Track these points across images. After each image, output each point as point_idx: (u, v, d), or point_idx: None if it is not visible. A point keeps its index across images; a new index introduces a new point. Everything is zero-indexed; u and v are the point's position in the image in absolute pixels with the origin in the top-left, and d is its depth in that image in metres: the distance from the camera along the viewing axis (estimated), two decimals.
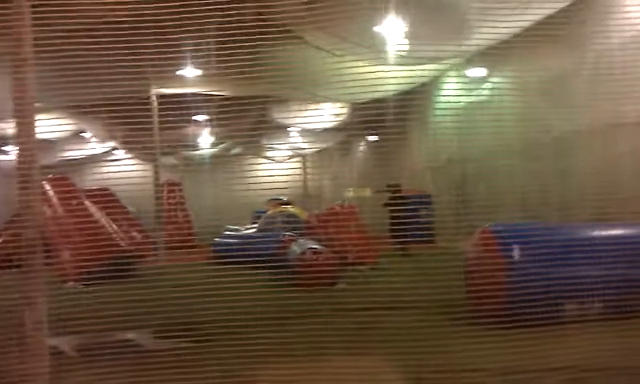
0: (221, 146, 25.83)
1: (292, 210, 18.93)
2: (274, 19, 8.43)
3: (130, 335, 7.15)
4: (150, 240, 16.09)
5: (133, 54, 6.53)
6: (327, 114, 20.00)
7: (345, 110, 20.33)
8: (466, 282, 8.05)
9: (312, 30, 11.68)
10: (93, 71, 6.85)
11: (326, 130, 22.83)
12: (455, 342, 6.42)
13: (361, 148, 26.62)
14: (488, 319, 7.05)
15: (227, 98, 16.14)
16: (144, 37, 6.36)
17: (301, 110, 19.46)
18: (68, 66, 7.04)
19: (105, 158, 24.58)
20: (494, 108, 13.56)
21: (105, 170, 22.93)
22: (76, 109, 16.02)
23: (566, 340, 6.38)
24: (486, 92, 14.70)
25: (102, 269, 10.79)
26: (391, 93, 10.88)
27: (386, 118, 11.88)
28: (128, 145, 20.89)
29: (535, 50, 11.52)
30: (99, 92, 8.27)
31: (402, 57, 11.50)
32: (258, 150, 27.92)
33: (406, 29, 11.03)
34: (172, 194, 23.51)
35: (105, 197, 14.00)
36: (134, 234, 16.06)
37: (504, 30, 8.25)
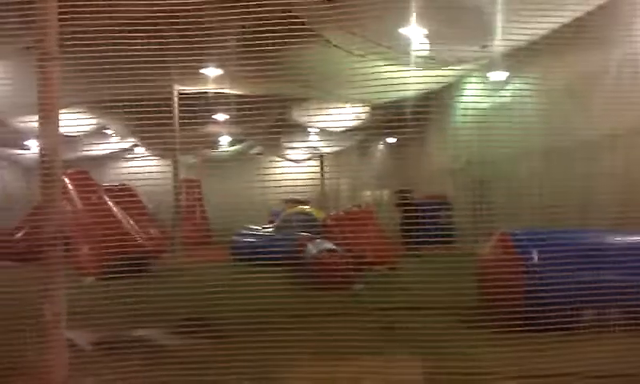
0: (240, 145, 25.89)
1: (309, 210, 18.93)
2: (297, 19, 8.42)
3: (146, 331, 7.19)
4: (168, 237, 16.16)
5: (157, 51, 6.56)
6: (347, 114, 19.97)
7: (364, 111, 20.27)
8: (483, 285, 8.01)
9: (335, 30, 11.67)
10: (117, 68, 6.89)
11: (345, 130, 22.78)
12: (471, 345, 6.39)
13: (380, 150, 26.55)
14: (505, 323, 7.00)
15: (247, 98, 16.16)
16: (169, 35, 6.40)
17: (320, 111, 19.45)
18: (93, 62, 7.09)
19: (126, 155, 24.72)
20: (515, 111, 13.46)
21: (125, 166, 23.07)
22: (99, 105, 16.14)
23: (583, 346, 6.32)
24: (507, 95, 14.60)
25: (119, 265, 10.85)
26: (412, 94, 10.84)
27: (406, 120, 11.85)
28: (149, 142, 20.99)
29: (559, 54, 11.42)
30: (122, 89, 8.32)
31: (423, 58, 11.46)
32: (276, 150, 27.92)
33: (429, 30, 10.99)
34: (191, 192, 23.59)
35: (125, 193, 14.08)
36: (153, 231, 16.14)
37: (527, 33, 8.20)
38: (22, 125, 18.62)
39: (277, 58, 7.48)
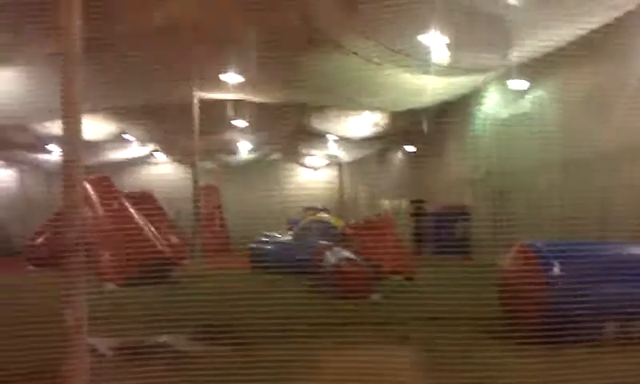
0: (259, 152, 25.96)
1: (328, 218, 18.91)
2: (318, 27, 8.48)
3: (167, 338, 7.21)
4: (188, 244, 16.22)
5: (179, 59, 6.62)
6: (366, 122, 19.97)
7: (384, 119, 20.25)
8: (503, 296, 7.96)
9: (355, 38, 11.69)
10: (139, 75, 6.97)
11: (363, 138, 22.77)
12: (490, 356, 6.35)
13: (399, 158, 26.50)
14: (526, 335, 6.95)
15: (267, 105, 16.23)
16: (191, 43, 6.45)
17: (340, 118, 19.47)
18: (115, 68, 7.16)
19: (146, 161, 24.86)
20: (535, 121, 13.38)
21: (145, 172, 23.23)
22: (120, 111, 16.27)
23: (605, 359, 6.25)
24: (527, 105, 14.52)
25: (140, 271, 10.90)
26: (431, 103, 10.84)
27: (425, 128, 11.85)
28: (169, 148, 21.13)
29: (578, 65, 11.36)
30: (145, 96, 8.41)
31: (444, 67, 11.45)
32: (295, 157, 27.97)
33: (449, 39, 10.98)
34: (210, 199, 23.68)
35: (146, 200, 14.15)
36: (173, 238, 16.20)
37: (548, 44, 8.18)
38: (44, 130, 18.82)
39: (296, 65, 7.52)
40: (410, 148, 23.79)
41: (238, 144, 23.88)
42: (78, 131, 5.62)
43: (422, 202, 20.28)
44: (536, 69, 12.32)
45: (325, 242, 14.79)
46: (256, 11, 6.89)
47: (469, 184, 18.50)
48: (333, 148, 25.29)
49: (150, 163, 24.85)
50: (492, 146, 15.93)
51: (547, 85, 14.00)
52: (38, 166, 24.87)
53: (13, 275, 13.74)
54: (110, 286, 11.91)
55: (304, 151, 26.69)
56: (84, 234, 5.68)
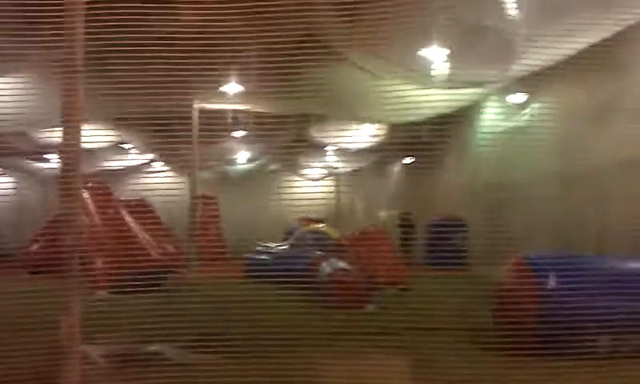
0: (257, 162, 25.97)
1: (324, 228, 18.91)
2: (319, 38, 8.52)
3: (160, 347, 7.19)
4: (184, 253, 16.19)
5: (180, 69, 6.64)
6: (364, 134, 20.00)
7: (382, 131, 20.29)
8: (497, 309, 7.96)
9: (356, 50, 11.73)
10: (138, 84, 6.97)
11: (361, 150, 22.80)
12: (483, 367, 6.34)
13: (396, 170, 26.53)
14: (518, 349, 6.95)
15: (266, 115, 16.25)
16: (192, 52, 6.47)
17: (339, 130, 19.51)
18: (114, 77, 7.17)
19: (143, 170, 24.85)
20: (533, 135, 13.41)
21: (143, 181, 23.20)
22: (119, 120, 16.28)
23: (598, 373, 6.25)
24: (526, 118, 14.56)
25: (134, 279, 10.88)
26: (430, 115, 10.87)
27: (424, 141, 11.89)
28: (167, 157, 21.11)
29: (578, 79, 11.40)
30: (144, 104, 8.41)
31: (443, 80, 11.48)
32: (293, 168, 27.97)
33: (449, 52, 11.02)
34: (207, 208, 23.65)
35: (142, 208, 14.14)
36: (168, 246, 16.17)
37: (547, 57, 8.21)
38: (41, 138, 18.81)
39: (296, 76, 7.53)
40: (409, 160, 23.83)
41: (236, 154, 23.87)
42: (78, 139, 5.63)
43: (408, 213, 20.73)
44: (535, 83, 12.37)
45: (320, 253, 14.79)
46: (257, 21, 6.91)
47: (467, 196, 18.53)
48: (331, 159, 25.32)
49: (148, 172, 24.84)
50: (490, 159, 15.98)
51: (546, 98, 14.05)
52: (35, 174, 24.86)
53: (7, 281, 13.70)
54: (104, 294, 11.88)
55: (303, 162, 26.70)
56: (80, 242, 5.68)
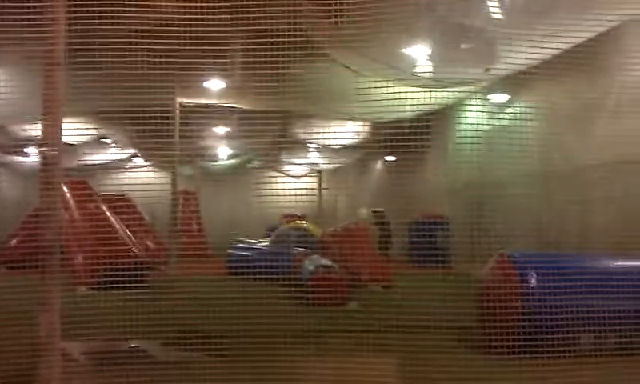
0: (239, 158, 25.89)
1: (306, 225, 18.91)
2: (303, 36, 8.47)
3: (140, 343, 7.14)
4: (164, 249, 16.12)
5: (161, 63, 6.59)
6: (347, 131, 20.00)
7: (364, 129, 20.30)
8: (480, 307, 7.99)
9: (340, 49, 11.72)
10: (120, 78, 6.92)
11: (344, 147, 22.82)
12: (465, 365, 6.37)
13: (378, 167, 26.59)
14: (501, 347, 6.98)
15: (249, 112, 16.19)
16: (174, 47, 6.42)
17: (321, 127, 19.49)
18: (94, 71, 7.10)
19: (124, 165, 24.69)
20: (515, 134, 13.49)
21: (123, 176, 23.03)
22: (100, 114, 16.15)
23: (579, 371, 6.29)
24: (508, 118, 14.64)
25: (115, 275, 10.81)
26: (412, 114, 10.88)
27: (406, 139, 11.90)
28: (148, 153, 20.97)
29: (560, 79, 11.46)
30: (124, 99, 8.34)
31: (425, 79, 11.51)
32: (275, 165, 27.93)
33: (432, 51, 11.04)
34: (188, 204, 23.57)
35: (122, 203, 14.06)
36: (149, 242, 16.10)
37: (530, 57, 8.24)
38: (21, 132, 18.61)
39: (279, 73, 7.51)
40: (391, 158, 23.89)
41: (218, 150, 23.78)
42: (58, 134, 5.58)
43: (382, 211, 21.20)
44: (517, 82, 12.43)
45: (302, 250, 14.79)
46: (240, 17, 6.87)
47: (449, 194, 18.60)
48: (313, 156, 25.31)
49: (128, 167, 24.66)
50: (472, 158, 16.03)
51: (528, 98, 14.14)
52: (14, 168, 24.61)
53: None
54: (84, 289, 11.79)
55: (285, 158, 26.67)
56: (60, 237, 5.62)
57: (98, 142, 21.30)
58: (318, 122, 19.08)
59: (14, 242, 17.26)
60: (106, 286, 9.19)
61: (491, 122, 14.41)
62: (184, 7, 7.19)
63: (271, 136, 19.41)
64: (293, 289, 11.10)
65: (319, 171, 29.27)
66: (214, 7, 6.50)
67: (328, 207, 28.50)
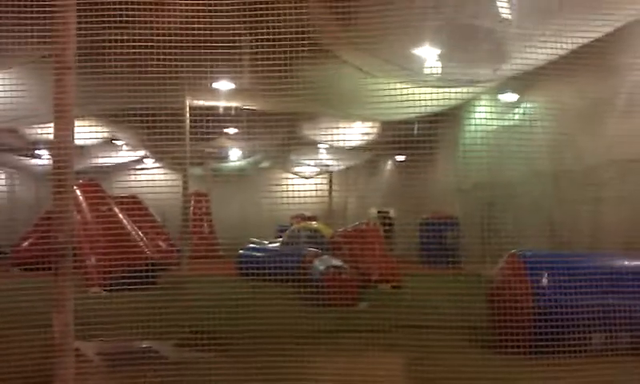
0: (249, 159, 25.96)
1: (316, 225, 18.94)
2: (310, 36, 8.50)
3: (153, 343, 7.19)
4: (176, 250, 16.20)
5: (171, 66, 6.63)
6: (357, 132, 20.01)
7: (374, 129, 20.30)
8: (491, 307, 7.98)
9: (349, 50, 11.74)
10: (131, 81, 6.97)
11: (354, 148, 22.81)
12: (477, 365, 6.37)
13: (388, 168, 26.57)
14: (512, 346, 6.98)
15: (259, 113, 16.23)
16: (183, 49, 6.47)
17: (331, 128, 19.50)
18: (106, 73, 7.16)
19: (135, 166, 24.79)
20: (525, 134, 13.47)
21: (135, 178, 23.14)
22: (111, 116, 16.23)
23: (591, 370, 6.29)
24: (517, 117, 14.62)
25: (127, 276, 10.88)
26: (422, 114, 10.88)
27: (416, 139, 11.89)
28: (159, 154, 21.06)
29: (570, 78, 11.43)
30: (135, 101, 8.40)
31: (435, 79, 11.51)
32: (286, 165, 27.98)
33: (441, 51, 11.04)
34: (199, 205, 23.65)
35: (134, 205, 14.13)
36: (160, 243, 16.17)
37: (539, 57, 8.24)
38: (33, 133, 18.74)
39: (289, 74, 7.54)
40: (400, 158, 23.86)
41: (228, 151, 23.85)
42: (70, 135, 5.63)
43: (387, 212, 21.63)
44: (526, 82, 12.41)
45: (313, 250, 14.82)
46: (250, 19, 6.91)
47: (458, 194, 18.57)
48: (324, 157, 25.33)
49: (140, 169, 24.76)
50: (482, 158, 16.00)
51: (537, 98, 14.11)
52: (27, 170, 24.76)
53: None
54: (97, 290, 11.87)
55: (295, 159, 26.71)
56: (72, 238, 5.67)
57: (109, 144, 21.41)
58: (327, 123, 19.09)
59: (27, 244, 17.37)
60: (119, 287, 9.26)
61: (501, 122, 14.40)
62: (193, 10, 7.23)
63: (281, 137, 19.46)
64: (303, 289, 11.13)
65: (330, 172, 29.29)
66: (223, 9, 6.54)
67: (338, 208, 28.51)
